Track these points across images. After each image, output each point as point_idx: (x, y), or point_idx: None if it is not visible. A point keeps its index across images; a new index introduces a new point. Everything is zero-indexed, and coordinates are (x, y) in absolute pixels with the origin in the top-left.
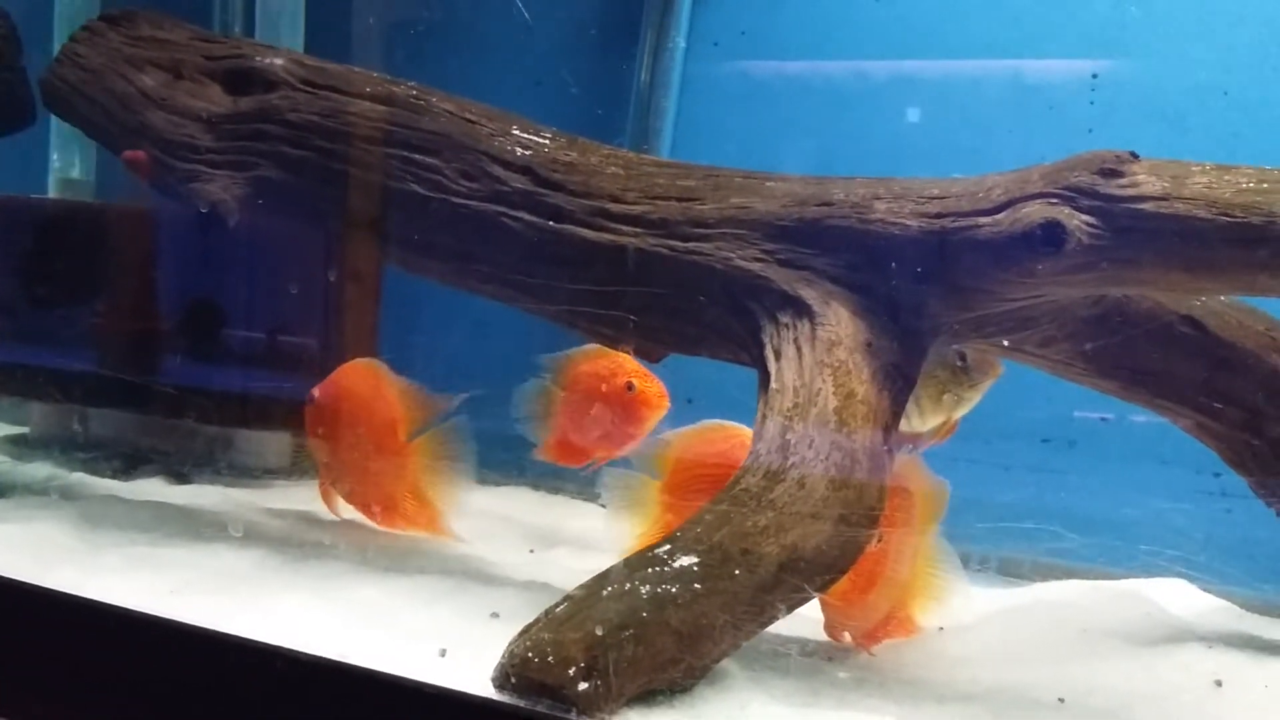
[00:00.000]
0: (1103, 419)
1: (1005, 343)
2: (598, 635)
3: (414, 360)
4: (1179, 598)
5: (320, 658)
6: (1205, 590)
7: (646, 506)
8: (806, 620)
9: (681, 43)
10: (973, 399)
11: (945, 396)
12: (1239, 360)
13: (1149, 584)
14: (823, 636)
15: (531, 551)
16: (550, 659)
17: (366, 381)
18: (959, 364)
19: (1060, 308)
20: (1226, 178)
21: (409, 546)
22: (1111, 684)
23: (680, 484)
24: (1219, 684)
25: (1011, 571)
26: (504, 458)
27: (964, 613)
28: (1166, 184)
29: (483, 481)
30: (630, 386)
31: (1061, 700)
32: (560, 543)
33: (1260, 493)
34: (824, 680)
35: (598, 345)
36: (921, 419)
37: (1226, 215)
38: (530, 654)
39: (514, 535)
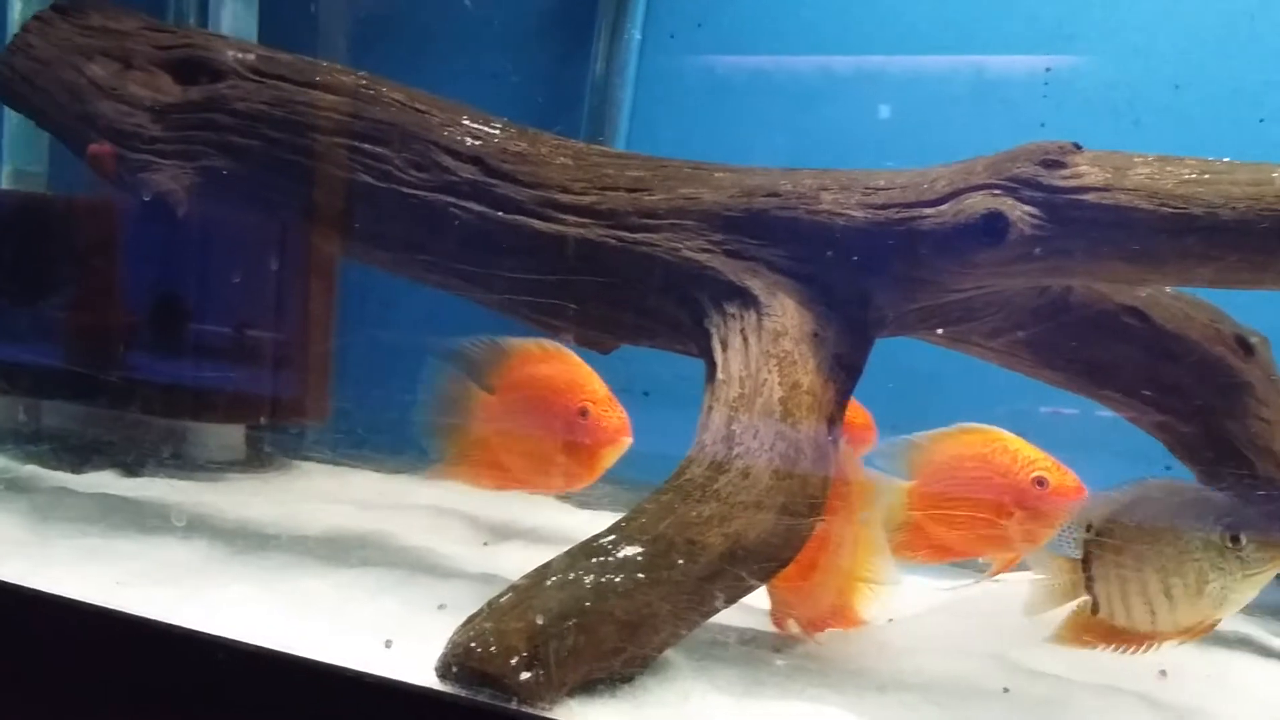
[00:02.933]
0: (1056, 412)
1: (940, 331)
2: (540, 625)
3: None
4: None
5: (262, 648)
6: None
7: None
8: (753, 611)
9: (637, 34)
10: (1246, 594)
11: (1209, 587)
12: (1183, 351)
13: None
14: (769, 627)
15: (485, 544)
16: (492, 648)
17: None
18: (1229, 544)
19: (1006, 299)
20: (1169, 169)
21: (359, 539)
22: (1056, 673)
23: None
24: (1163, 673)
25: (963, 563)
26: None
27: (913, 604)
28: (1108, 175)
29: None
30: (584, 412)
31: (1006, 690)
32: (515, 536)
33: (1206, 483)
34: (768, 670)
35: (542, 341)
36: (1173, 613)
37: (1168, 206)
38: (472, 644)
39: (468, 528)
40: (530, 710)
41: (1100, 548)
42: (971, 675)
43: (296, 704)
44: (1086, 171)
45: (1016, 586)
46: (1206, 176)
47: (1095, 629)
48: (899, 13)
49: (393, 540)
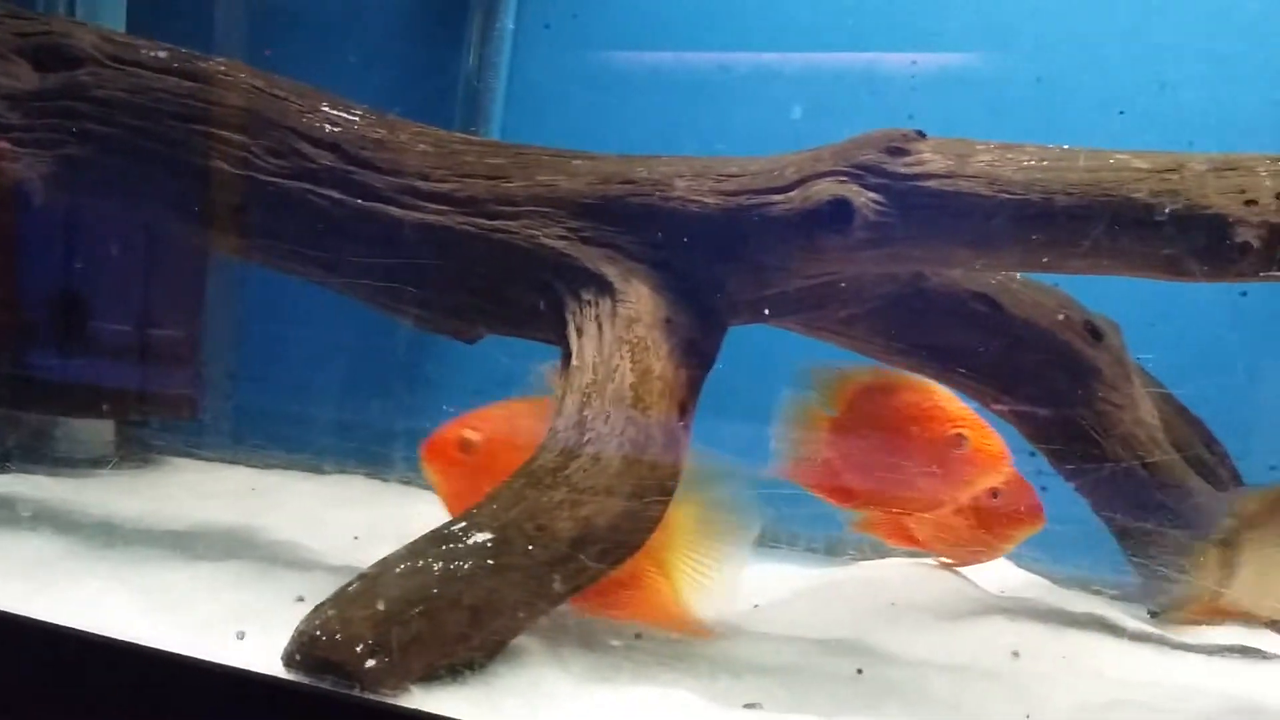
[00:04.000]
0: None
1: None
2: (386, 612)
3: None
4: (993, 573)
5: (111, 639)
6: (1020, 566)
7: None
8: None
9: (510, 25)
10: None
11: None
12: (1033, 337)
13: None
14: None
15: (356, 538)
16: (338, 636)
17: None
18: None
19: (858, 285)
20: (1009, 156)
21: (226, 533)
22: (911, 655)
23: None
24: (1016, 655)
25: (838, 550)
26: (337, 444)
27: (779, 588)
28: (951, 162)
29: (314, 469)
30: (961, 441)
31: (860, 671)
32: (387, 529)
33: (1057, 467)
34: (625, 655)
35: (895, 370)
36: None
37: (1007, 192)
38: (318, 632)
39: (340, 522)
40: (374, 697)
41: (1247, 536)
42: (828, 659)
43: (145, 695)
44: (929, 159)
45: (882, 570)
46: (1045, 163)
47: (1220, 611)
48: (772, 8)
49: (260, 535)
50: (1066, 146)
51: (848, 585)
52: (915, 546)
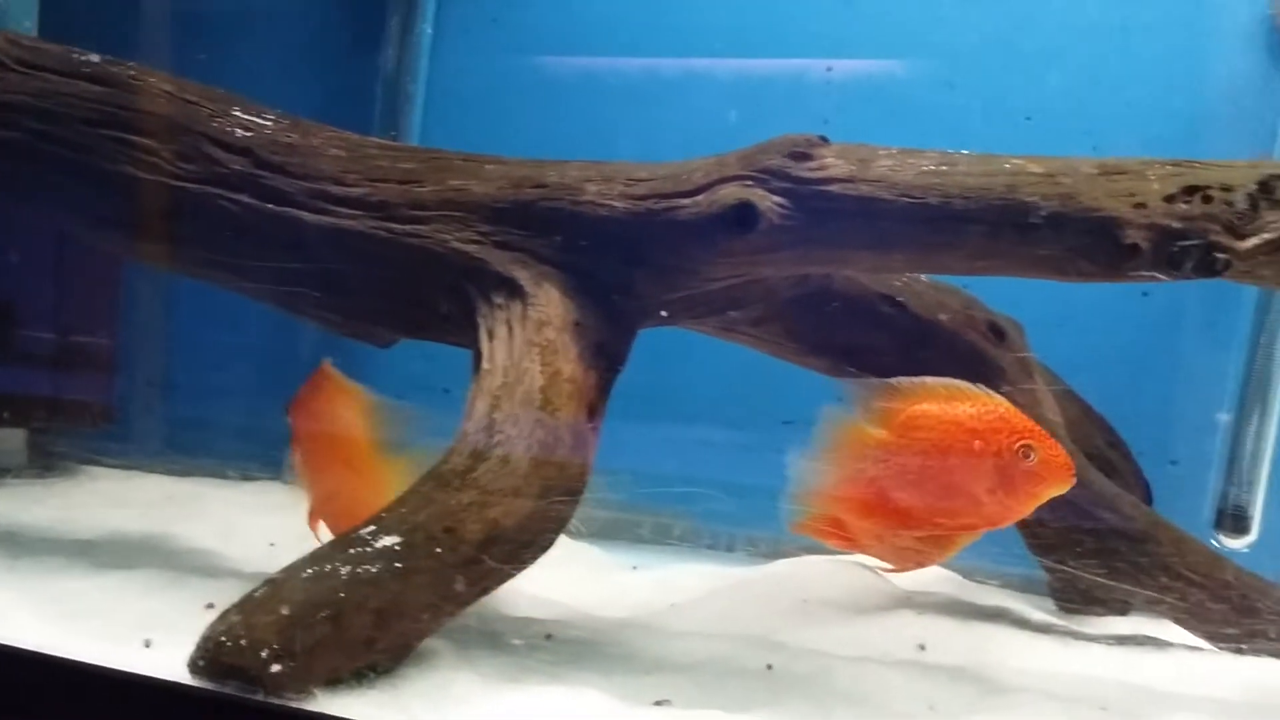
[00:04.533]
0: (839, 399)
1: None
2: (291, 617)
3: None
4: None
5: (16, 649)
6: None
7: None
8: (533, 598)
9: (428, 30)
10: None
11: None
12: (937, 337)
13: None
14: (549, 614)
15: (272, 545)
16: (242, 642)
17: (339, 395)
18: None
19: (767, 288)
20: (910, 160)
21: (139, 542)
22: (820, 650)
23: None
24: (922, 648)
25: (755, 549)
26: (258, 452)
27: (695, 587)
28: (853, 166)
29: (235, 477)
30: (1028, 453)
31: (769, 667)
32: (304, 538)
33: None
34: (537, 657)
35: (950, 381)
36: None
37: (907, 196)
38: (223, 638)
39: (256, 529)
40: (277, 702)
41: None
42: (739, 655)
43: (51, 704)
44: (832, 163)
45: (798, 568)
46: (944, 168)
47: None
48: (691, 15)
49: (174, 543)
50: (965, 152)
51: (763, 583)
52: (855, 550)
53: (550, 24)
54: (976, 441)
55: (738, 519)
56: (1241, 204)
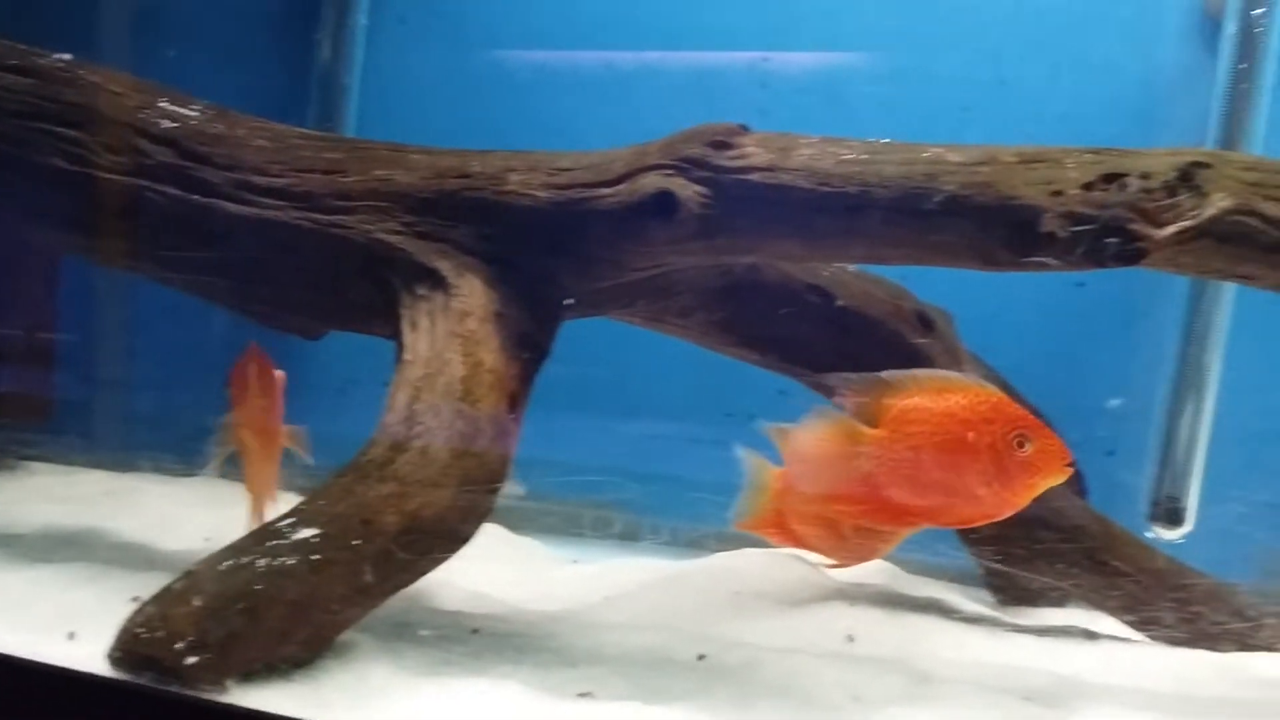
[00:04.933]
0: (781, 392)
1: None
2: (208, 609)
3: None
4: None
5: None
6: None
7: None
8: (466, 593)
9: (364, 20)
10: None
11: None
12: (865, 327)
13: None
14: (480, 608)
15: (207, 540)
16: (160, 633)
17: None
18: None
19: (694, 278)
20: (830, 149)
21: (71, 536)
22: (750, 641)
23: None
24: (850, 639)
25: (696, 544)
26: (200, 448)
27: (629, 581)
28: (773, 155)
29: (177, 472)
30: (1023, 443)
31: (700, 658)
32: (240, 530)
33: None
34: (462, 649)
35: (940, 372)
36: None
37: (826, 185)
38: (140, 629)
39: (193, 523)
40: (192, 694)
41: None
42: (670, 647)
43: None
44: (753, 152)
45: (733, 561)
46: (865, 157)
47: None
48: (626, 6)
49: (108, 538)
50: (886, 141)
51: (698, 576)
52: (800, 547)
53: (487, 15)
54: (970, 433)
55: (679, 512)
56: (1159, 192)
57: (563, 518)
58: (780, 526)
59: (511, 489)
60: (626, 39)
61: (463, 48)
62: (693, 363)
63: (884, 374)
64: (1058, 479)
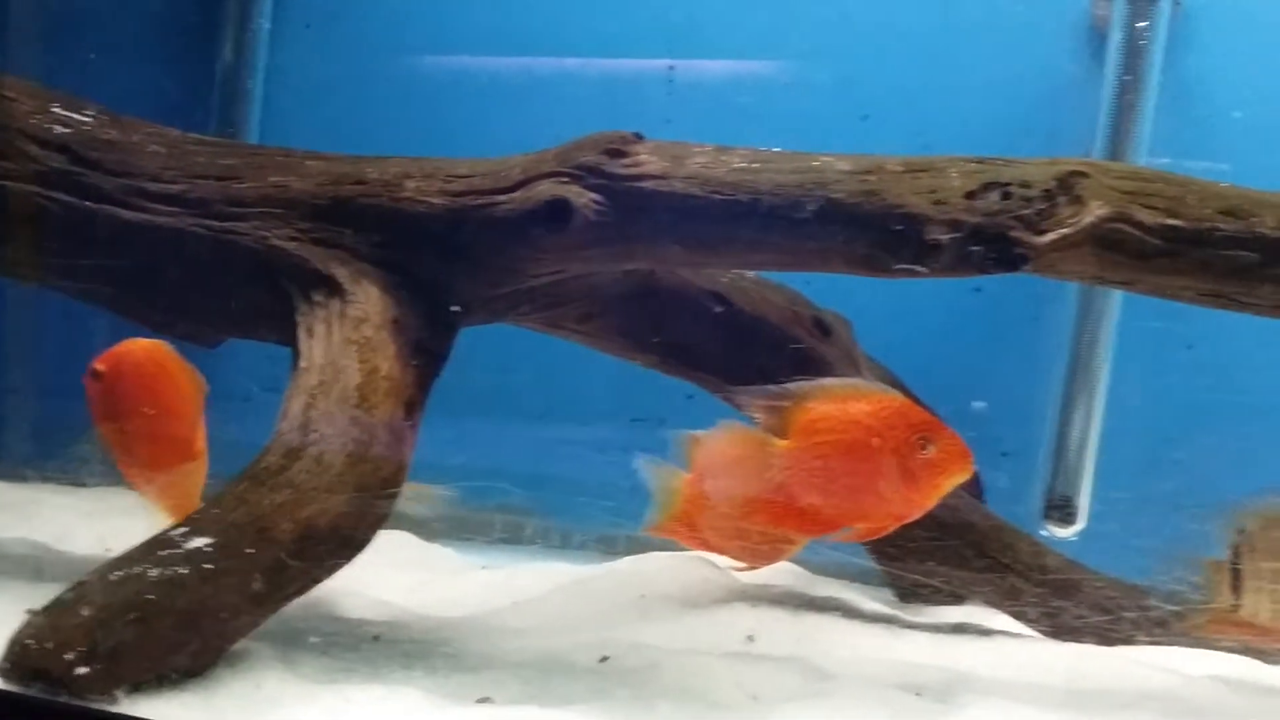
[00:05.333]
0: (689, 397)
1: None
2: (97, 619)
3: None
4: None
5: None
6: None
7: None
8: (371, 600)
9: (266, 25)
10: None
11: None
12: (762, 332)
13: None
14: (383, 615)
15: (108, 550)
16: (49, 644)
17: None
18: None
19: (591, 284)
20: (723, 158)
21: None
22: (652, 643)
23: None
24: (751, 639)
25: (607, 547)
26: (102, 457)
27: (536, 586)
28: (667, 163)
29: (75, 482)
30: (925, 445)
31: (603, 660)
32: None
33: None
34: (360, 656)
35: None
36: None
37: (718, 193)
38: (29, 640)
39: (94, 534)
40: (80, 704)
41: (1251, 550)
42: (572, 650)
43: None
44: (646, 160)
45: (639, 564)
46: (755, 165)
47: (1233, 625)
48: (535, 13)
49: (3, 550)
50: (777, 150)
51: (604, 580)
52: (709, 551)
53: (390, 20)
54: (875, 439)
55: (589, 518)
56: (1039, 200)
57: (473, 525)
58: (690, 530)
59: (441, 493)
60: (530, 45)
61: (367, 53)
62: (603, 369)
63: (790, 385)
64: (961, 477)
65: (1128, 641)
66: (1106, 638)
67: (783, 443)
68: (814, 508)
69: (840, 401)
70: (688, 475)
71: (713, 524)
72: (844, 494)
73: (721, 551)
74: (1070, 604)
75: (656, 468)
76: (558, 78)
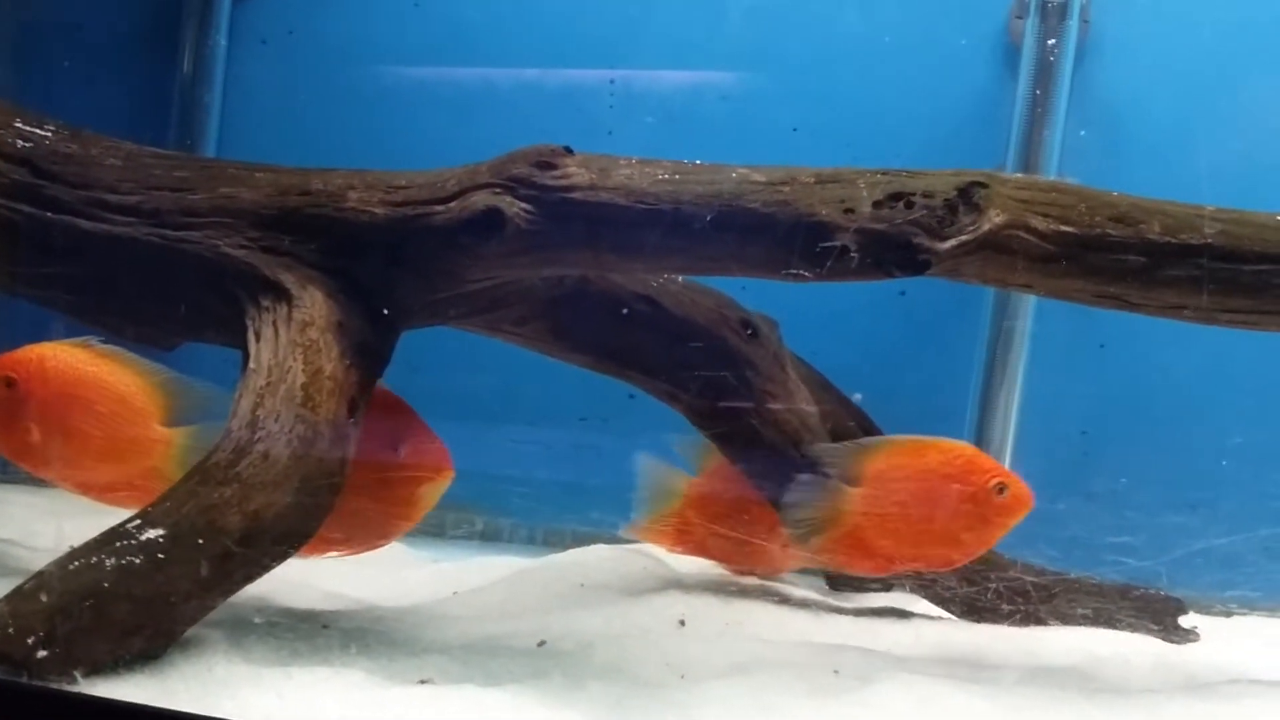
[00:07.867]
0: (630, 396)
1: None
2: (56, 606)
3: None
4: None
5: None
6: None
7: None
8: (322, 592)
9: (223, 40)
10: None
11: None
12: (691, 334)
13: None
14: (333, 606)
15: (71, 548)
16: (10, 629)
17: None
18: None
19: (526, 289)
20: (647, 169)
21: None
22: (588, 628)
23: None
24: (682, 623)
25: (554, 541)
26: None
27: (478, 578)
28: (594, 175)
29: (39, 481)
30: (1002, 489)
31: (540, 644)
32: None
33: (725, 450)
34: (310, 642)
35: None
36: None
37: (642, 203)
38: None
39: (55, 533)
40: (40, 685)
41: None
42: (511, 635)
43: None
44: (575, 172)
45: (581, 556)
46: (677, 177)
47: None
48: (482, 26)
49: None
50: (697, 162)
51: (545, 571)
52: (705, 556)
53: (347, 35)
54: (955, 485)
55: (537, 513)
56: (941, 209)
57: (426, 520)
58: (681, 534)
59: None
60: (481, 58)
61: (322, 67)
62: (547, 370)
63: (862, 441)
64: (1023, 515)
65: (1041, 623)
66: (1014, 618)
67: (859, 491)
68: (888, 550)
69: (912, 453)
70: (691, 478)
71: (717, 530)
72: (918, 537)
73: (720, 558)
74: (983, 588)
75: (656, 467)
76: (503, 88)
